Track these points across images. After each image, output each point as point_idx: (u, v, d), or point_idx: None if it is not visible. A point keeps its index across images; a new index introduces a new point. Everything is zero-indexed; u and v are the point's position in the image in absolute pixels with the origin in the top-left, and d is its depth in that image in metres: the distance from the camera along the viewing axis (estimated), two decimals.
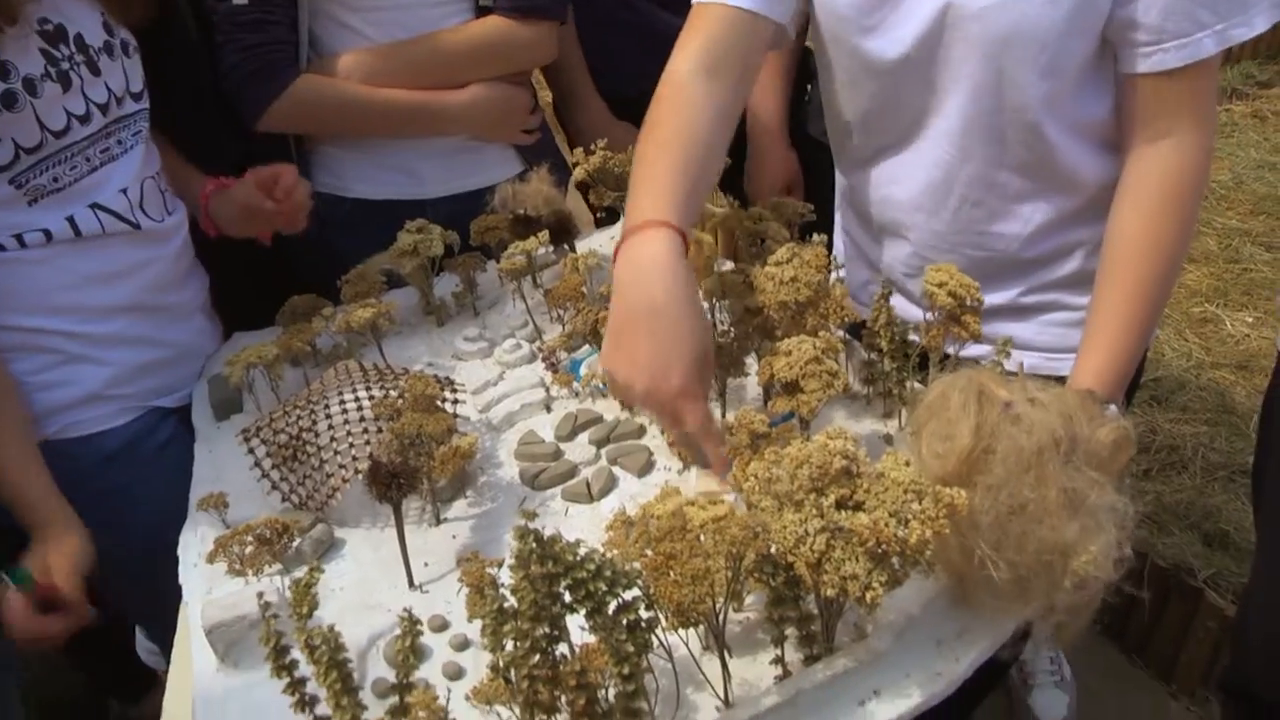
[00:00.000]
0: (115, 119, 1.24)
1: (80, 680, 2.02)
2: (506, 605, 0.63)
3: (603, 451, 1.11)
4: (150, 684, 1.90)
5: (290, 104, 1.43)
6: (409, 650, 0.62)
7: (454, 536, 1.03)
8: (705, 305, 1.19)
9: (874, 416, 1.10)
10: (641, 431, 1.13)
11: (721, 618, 0.73)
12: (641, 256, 0.92)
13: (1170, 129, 1.01)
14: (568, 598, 0.64)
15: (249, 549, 1.00)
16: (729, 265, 1.21)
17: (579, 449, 1.12)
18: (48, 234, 1.19)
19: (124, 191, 1.25)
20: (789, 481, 0.68)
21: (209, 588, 1.01)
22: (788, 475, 0.68)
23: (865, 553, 0.66)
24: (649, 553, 0.68)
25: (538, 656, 0.63)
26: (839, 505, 0.68)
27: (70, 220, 1.21)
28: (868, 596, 0.66)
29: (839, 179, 1.38)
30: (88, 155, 1.21)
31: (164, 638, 1.04)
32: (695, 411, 0.89)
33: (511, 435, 1.17)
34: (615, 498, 1.04)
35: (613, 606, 0.66)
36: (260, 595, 0.64)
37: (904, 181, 1.20)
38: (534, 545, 0.63)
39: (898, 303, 1.28)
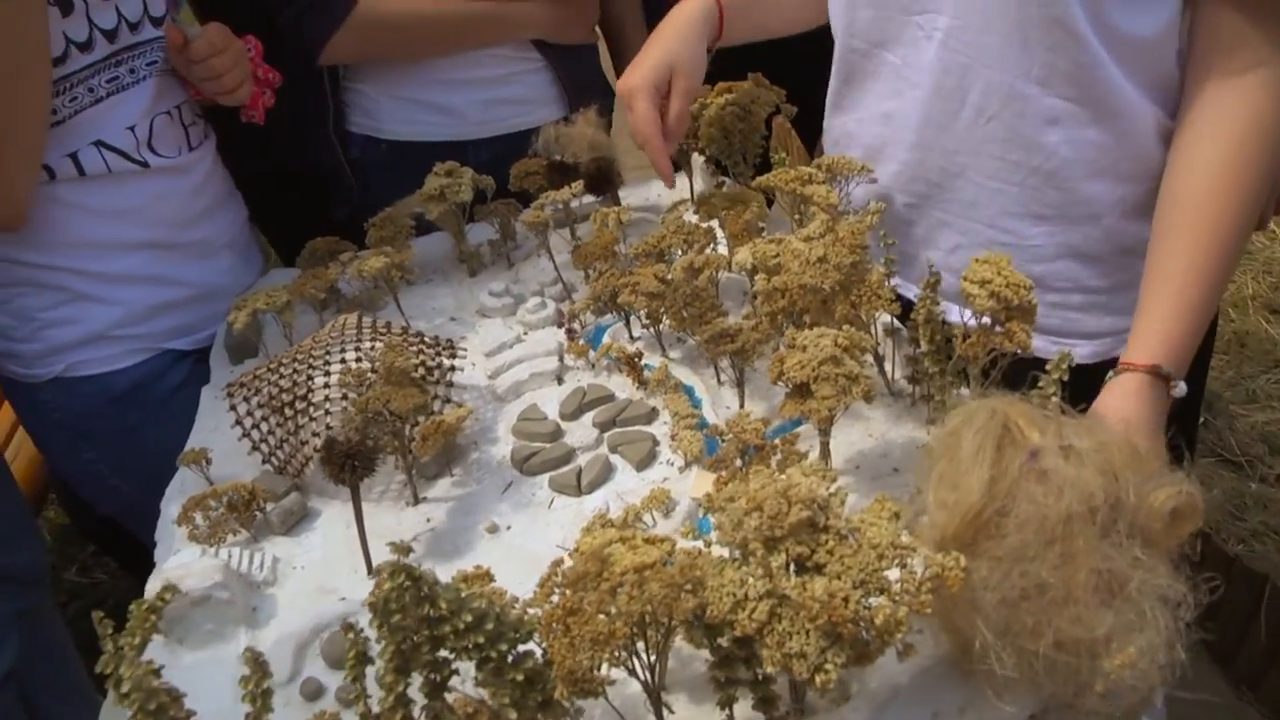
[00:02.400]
0: (126, 46, 1.16)
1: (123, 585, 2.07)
2: (369, 650, 0.53)
3: (605, 436, 0.99)
4: None
5: (352, 33, 1.37)
6: (257, 693, 0.52)
7: (428, 520, 0.94)
8: (740, 277, 1.06)
9: (917, 421, 0.95)
10: (652, 416, 1.01)
11: (658, 673, 0.61)
12: (683, 4, 1.17)
13: (1260, 59, 0.84)
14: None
15: (218, 514, 0.94)
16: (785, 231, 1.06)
17: (580, 430, 1.00)
18: (50, 172, 1.13)
19: (131, 129, 1.18)
20: (730, 530, 0.55)
21: (178, 549, 0.95)
22: (729, 522, 0.55)
23: (817, 629, 0.53)
24: (555, 598, 0.56)
25: (401, 713, 0.53)
26: (798, 565, 0.55)
27: (74, 158, 1.14)
28: (818, 679, 0.53)
29: None
30: (90, 85, 1.13)
31: None
32: (638, 109, 1.12)
33: (516, 407, 1.07)
34: (603, 494, 0.92)
35: (511, 657, 0.55)
36: (101, 618, 0.55)
37: (906, 93, 1.04)
38: (405, 584, 0.52)
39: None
